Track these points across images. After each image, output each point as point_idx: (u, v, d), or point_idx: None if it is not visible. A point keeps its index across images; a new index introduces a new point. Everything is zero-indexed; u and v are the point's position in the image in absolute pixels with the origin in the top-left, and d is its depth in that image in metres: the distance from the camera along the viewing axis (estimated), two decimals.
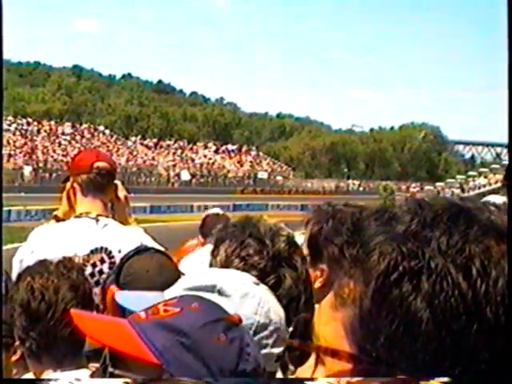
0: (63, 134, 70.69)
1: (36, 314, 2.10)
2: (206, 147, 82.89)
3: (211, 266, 1.80)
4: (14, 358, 2.27)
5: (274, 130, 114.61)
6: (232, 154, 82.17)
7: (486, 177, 75.39)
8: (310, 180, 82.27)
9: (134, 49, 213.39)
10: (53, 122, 73.24)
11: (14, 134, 64.18)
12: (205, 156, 78.64)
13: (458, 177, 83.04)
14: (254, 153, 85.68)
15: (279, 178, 76.79)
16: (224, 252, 1.77)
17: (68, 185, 3.23)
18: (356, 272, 0.75)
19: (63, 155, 59.94)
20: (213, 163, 76.04)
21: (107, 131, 79.16)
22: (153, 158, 72.06)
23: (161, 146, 78.51)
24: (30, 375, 2.19)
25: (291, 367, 1.45)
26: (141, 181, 60.52)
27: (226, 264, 1.74)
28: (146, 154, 73.27)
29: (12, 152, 57.70)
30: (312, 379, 0.80)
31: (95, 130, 77.85)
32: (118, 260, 2.59)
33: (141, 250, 2.21)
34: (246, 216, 1.91)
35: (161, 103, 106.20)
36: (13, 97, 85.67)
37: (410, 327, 0.70)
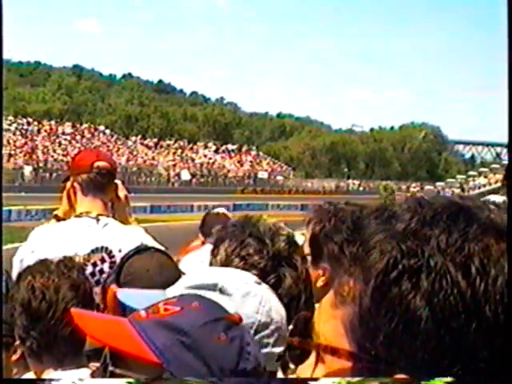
0: (63, 133, 70.66)
1: (37, 313, 2.11)
2: (206, 147, 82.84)
3: (211, 265, 1.80)
4: (14, 357, 2.27)
5: (274, 129, 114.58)
6: (232, 154, 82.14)
7: (486, 176, 75.40)
8: (310, 180, 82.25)
9: (134, 49, 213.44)
10: (53, 122, 73.20)
11: (15, 134, 64.16)
12: (205, 156, 78.61)
13: (458, 176, 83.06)
14: (254, 152, 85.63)
15: (279, 177, 76.77)
16: (224, 251, 1.77)
17: (68, 184, 3.23)
18: (356, 270, 0.76)
19: (63, 155, 59.92)
20: (213, 163, 76.02)
21: (107, 131, 79.12)
22: (153, 158, 72.01)
23: (161, 146, 78.46)
24: (30, 374, 2.19)
25: (291, 366, 1.46)
26: (141, 180, 60.51)
27: (226, 263, 1.74)
28: (146, 154, 73.23)
29: (12, 152, 57.67)
30: (315, 379, 0.79)
31: (95, 129, 77.80)
32: (118, 259, 2.59)
33: (141, 250, 2.21)
34: (246, 215, 1.91)
35: (161, 103, 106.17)
36: (13, 96, 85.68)
37: (410, 325, 0.70)
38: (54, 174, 52.00)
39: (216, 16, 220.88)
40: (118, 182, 3.32)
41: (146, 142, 78.75)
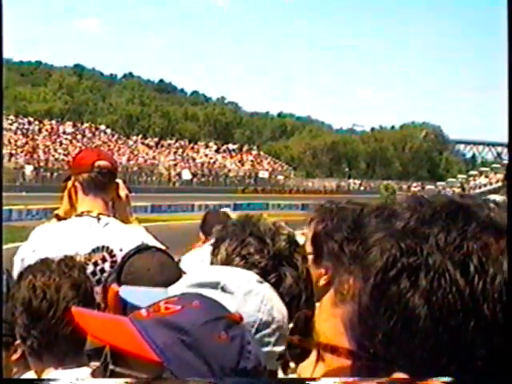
0: (64, 133, 70.65)
1: (37, 312, 2.11)
2: (207, 146, 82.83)
3: (212, 264, 1.80)
4: (14, 356, 2.27)
5: (275, 129, 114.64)
6: (233, 154, 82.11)
7: (486, 176, 75.41)
8: (311, 179, 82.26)
9: (135, 48, 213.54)
10: (54, 122, 73.19)
11: (16, 134, 64.17)
12: (206, 155, 78.58)
13: (459, 176, 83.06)
14: (255, 152, 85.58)
15: (280, 177, 76.74)
16: (225, 251, 1.77)
17: (69, 184, 3.23)
18: (355, 268, 0.76)
19: (64, 154, 59.94)
20: (214, 162, 76.01)
21: (108, 130, 79.11)
22: (154, 158, 72.01)
23: (162, 146, 78.44)
24: (30, 374, 2.20)
25: (292, 365, 1.46)
26: (142, 180, 60.53)
27: (227, 263, 1.74)
28: (147, 154, 73.22)
29: (13, 151, 57.68)
30: (315, 379, 0.79)
31: (96, 129, 77.79)
32: (119, 259, 2.59)
33: (142, 249, 2.21)
34: (247, 215, 1.91)
35: (162, 102, 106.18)
36: (14, 96, 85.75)
37: (408, 323, 0.70)
38: (55, 174, 52.06)
39: (217, 16, 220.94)
40: (118, 181, 3.32)
41: (146, 141, 78.72)
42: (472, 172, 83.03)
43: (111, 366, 1.14)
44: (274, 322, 1.48)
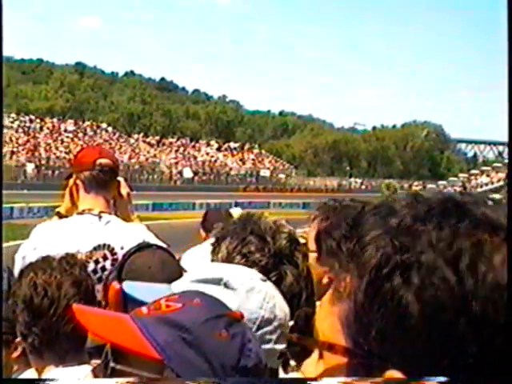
0: (66, 131, 70.70)
1: (38, 309, 2.11)
2: (208, 145, 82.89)
3: (212, 262, 1.80)
4: (15, 354, 2.27)
5: (277, 127, 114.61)
6: (234, 152, 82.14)
7: (488, 175, 75.40)
8: (313, 178, 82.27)
9: (136, 46, 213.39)
10: (55, 120, 73.26)
11: (17, 131, 64.24)
12: (207, 154, 78.62)
13: (461, 175, 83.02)
14: (256, 151, 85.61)
15: (281, 175, 76.77)
16: (225, 249, 1.77)
17: (71, 182, 3.23)
18: (351, 266, 0.76)
19: (66, 152, 59.97)
20: (215, 161, 76.04)
21: (110, 128, 79.17)
22: (155, 156, 72.03)
23: (163, 144, 78.49)
24: (31, 371, 2.20)
25: (292, 363, 1.46)
26: (143, 178, 60.57)
27: (228, 261, 1.74)
28: (148, 152, 73.25)
29: (15, 149, 57.74)
30: (315, 379, 0.80)
31: (98, 127, 77.84)
32: (120, 257, 2.59)
33: (143, 247, 2.21)
34: (247, 213, 1.91)
35: (163, 101, 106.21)
36: (15, 94, 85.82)
37: (401, 321, 0.70)
38: (57, 172, 52.09)
39: (218, 14, 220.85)
40: (120, 179, 3.32)
41: (148, 139, 78.79)
42: (473, 171, 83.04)
43: (112, 364, 1.14)
44: (276, 319, 1.48)
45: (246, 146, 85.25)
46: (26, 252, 2.94)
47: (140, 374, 1.12)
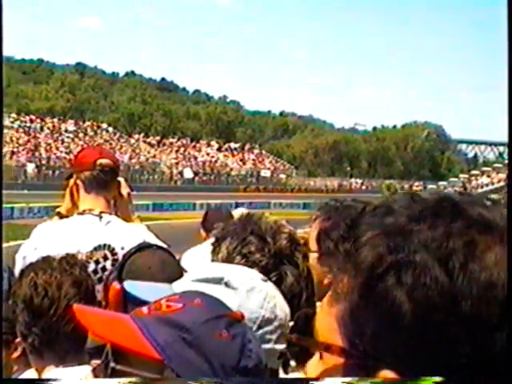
0: (66, 131, 70.69)
1: (39, 309, 2.11)
2: (208, 145, 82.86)
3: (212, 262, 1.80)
4: (15, 354, 2.28)
5: (277, 128, 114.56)
6: (235, 152, 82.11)
7: (488, 176, 75.32)
8: (313, 178, 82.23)
9: (137, 46, 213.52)
10: (56, 120, 73.24)
11: (17, 131, 64.22)
12: (207, 154, 78.59)
13: (461, 176, 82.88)
14: (256, 151, 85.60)
15: (282, 176, 76.76)
16: (226, 249, 1.77)
17: (71, 182, 3.23)
18: (348, 266, 0.76)
19: (66, 152, 59.95)
20: (215, 161, 76.00)
21: (110, 129, 79.15)
22: (155, 156, 72.01)
23: (164, 144, 78.45)
24: (31, 371, 2.20)
25: (292, 363, 1.46)
26: (143, 178, 60.55)
27: (228, 261, 1.74)
28: (148, 152, 73.22)
29: (15, 149, 57.73)
30: (317, 379, 0.80)
31: (98, 127, 77.83)
32: (120, 257, 2.59)
33: (143, 247, 2.21)
34: (248, 213, 1.91)
35: (164, 101, 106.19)
36: (16, 94, 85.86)
37: (394, 321, 0.71)
38: (57, 172, 52.08)
39: (218, 14, 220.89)
40: (120, 179, 3.31)
41: (148, 139, 78.75)
42: (474, 172, 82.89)
43: (112, 364, 1.14)
44: (277, 319, 1.48)
45: (247, 147, 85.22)
46: (27, 252, 2.94)
47: (140, 374, 1.11)
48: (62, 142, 66.34)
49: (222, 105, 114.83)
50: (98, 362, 1.17)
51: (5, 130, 56.29)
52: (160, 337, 1.13)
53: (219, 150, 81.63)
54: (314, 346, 0.82)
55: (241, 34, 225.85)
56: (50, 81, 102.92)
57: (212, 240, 1.86)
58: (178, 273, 1.92)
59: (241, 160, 79.63)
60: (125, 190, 3.31)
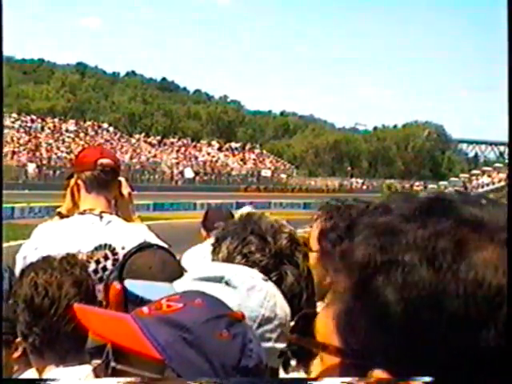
0: (67, 131, 70.74)
1: (39, 309, 2.11)
2: (209, 145, 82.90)
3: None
4: (15, 354, 2.28)
5: (278, 128, 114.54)
6: (235, 152, 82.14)
7: (489, 175, 75.30)
8: (314, 178, 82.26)
9: (137, 46, 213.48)
10: (57, 120, 73.29)
11: (18, 131, 64.28)
12: (208, 154, 78.62)
13: (462, 175, 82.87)
14: (257, 151, 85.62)
15: (282, 176, 76.80)
16: (226, 249, 1.77)
17: (72, 182, 3.23)
18: (342, 267, 0.77)
19: (67, 152, 60.01)
20: (216, 161, 76.03)
21: (111, 128, 79.20)
22: (156, 156, 72.05)
23: (164, 144, 78.50)
24: (31, 371, 2.20)
25: (293, 363, 1.46)
26: (144, 178, 60.59)
27: (228, 261, 1.74)
28: (149, 152, 73.27)
29: (16, 149, 57.79)
30: (315, 379, 0.81)
31: (99, 127, 77.89)
32: (121, 257, 2.59)
33: (143, 247, 2.21)
34: (248, 213, 1.92)
35: (164, 101, 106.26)
36: (17, 94, 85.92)
37: (384, 320, 0.71)
38: (58, 172, 52.13)
39: (219, 14, 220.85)
40: (121, 179, 3.31)
41: (149, 139, 78.79)
42: (474, 171, 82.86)
43: (113, 364, 1.14)
44: (277, 318, 1.48)
45: (247, 146, 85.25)
46: (27, 252, 2.95)
47: (141, 374, 1.11)
48: (63, 141, 66.39)
49: (222, 104, 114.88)
50: (99, 361, 1.17)
51: (5, 130, 56.33)
52: (161, 337, 1.13)
53: (220, 149, 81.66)
54: (313, 346, 0.82)
55: (241, 34, 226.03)
56: (50, 81, 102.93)
57: (212, 240, 1.87)
58: (178, 272, 1.92)
59: (241, 160, 79.65)
60: (125, 190, 3.31)
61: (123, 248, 2.83)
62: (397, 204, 0.77)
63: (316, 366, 0.83)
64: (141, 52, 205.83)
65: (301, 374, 1.38)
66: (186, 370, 1.11)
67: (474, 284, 0.69)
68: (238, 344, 1.17)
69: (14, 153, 55.75)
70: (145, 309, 1.19)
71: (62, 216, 3.22)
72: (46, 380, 1.88)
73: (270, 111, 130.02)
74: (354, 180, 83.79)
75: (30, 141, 62.43)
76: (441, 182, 76.68)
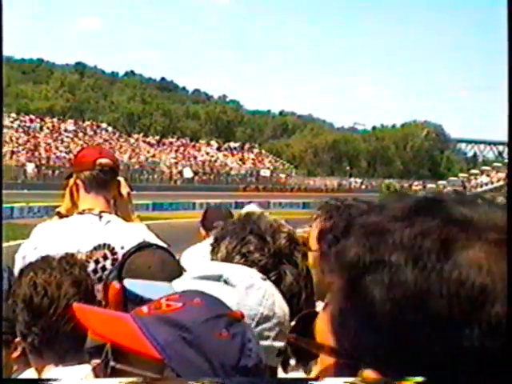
0: (66, 131, 70.73)
1: (38, 309, 2.11)
2: (208, 145, 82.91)
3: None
4: (14, 354, 2.28)
5: (277, 127, 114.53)
6: (234, 152, 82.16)
7: (488, 175, 75.41)
8: (313, 178, 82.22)
9: (136, 46, 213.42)
10: (55, 119, 73.29)
11: (17, 131, 64.28)
12: (207, 153, 78.63)
13: (461, 175, 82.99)
14: (256, 150, 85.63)
15: (281, 175, 76.79)
16: (225, 249, 1.77)
17: (71, 181, 3.23)
18: (336, 267, 0.78)
19: (66, 152, 60.00)
20: (215, 161, 76.04)
21: (110, 128, 79.20)
22: (155, 156, 72.03)
23: (163, 144, 78.51)
24: (30, 371, 2.20)
25: (292, 363, 1.46)
26: (143, 178, 60.57)
27: (227, 261, 1.74)
28: (148, 152, 73.26)
29: (15, 149, 57.79)
30: (315, 379, 0.81)
31: (98, 127, 77.89)
32: (120, 256, 2.59)
33: (143, 246, 2.21)
34: (247, 213, 1.92)
35: (163, 100, 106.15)
36: (16, 94, 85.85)
37: (372, 320, 0.72)
38: (57, 171, 52.12)
39: (218, 14, 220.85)
40: (120, 179, 3.32)
41: (148, 139, 78.81)
42: (473, 171, 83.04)
43: (112, 363, 1.14)
44: (275, 317, 1.49)
45: (246, 146, 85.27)
46: (27, 252, 2.94)
47: (140, 374, 1.11)
48: (62, 141, 66.38)
49: (221, 104, 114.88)
50: (98, 361, 1.17)
51: (4, 130, 56.32)
52: (160, 336, 1.13)
53: (219, 149, 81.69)
54: (310, 346, 0.82)
55: (241, 34, 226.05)
56: (49, 80, 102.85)
57: (211, 239, 1.87)
58: (177, 272, 1.92)
59: (240, 159, 79.66)
60: (124, 190, 3.31)
61: (122, 248, 2.83)
62: (390, 204, 0.78)
63: (316, 366, 0.83)
64: (140, 52, 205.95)
65: (300, 374, 1.38)
66: (186, 370, 1.11)
67: (457, 283, 0.69)
68: (237, 343, 1.17)
69: (13, 152, 55.75)
70: (144, 308, 1.19)
71: (61, 216, 3.22)
72: (46, 380, 1.88)
73: (268, 111, 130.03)
74: (352, 180, 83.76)
75: (28, 141, 62.43)
76: (440, 182, 76.71)
